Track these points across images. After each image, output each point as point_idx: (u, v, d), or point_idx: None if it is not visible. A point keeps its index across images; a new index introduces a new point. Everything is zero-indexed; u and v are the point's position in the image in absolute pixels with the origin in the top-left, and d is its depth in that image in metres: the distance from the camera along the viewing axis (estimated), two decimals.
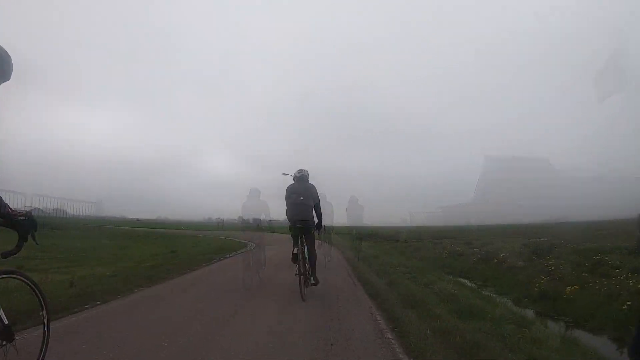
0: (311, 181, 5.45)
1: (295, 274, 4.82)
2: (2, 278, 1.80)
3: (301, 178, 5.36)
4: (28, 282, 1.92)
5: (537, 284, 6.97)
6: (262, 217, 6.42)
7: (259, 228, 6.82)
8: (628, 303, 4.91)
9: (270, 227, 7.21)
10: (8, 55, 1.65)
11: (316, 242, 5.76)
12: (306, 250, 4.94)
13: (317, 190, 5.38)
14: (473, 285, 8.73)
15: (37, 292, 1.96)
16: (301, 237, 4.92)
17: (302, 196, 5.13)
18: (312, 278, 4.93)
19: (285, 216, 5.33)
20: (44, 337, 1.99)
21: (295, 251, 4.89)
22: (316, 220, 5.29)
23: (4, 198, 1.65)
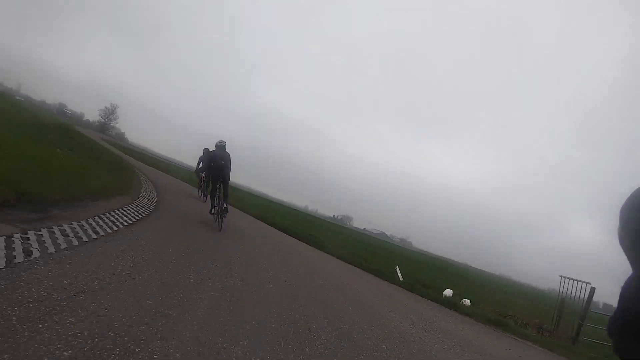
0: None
1: (211, 212, 7.52)
2: None
3: (221, 147, 7.50)
4: None
5: None
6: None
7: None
8: None
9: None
10: None
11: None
12: (223, 196, 7.23)
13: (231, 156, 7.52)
14: None
15: None
16: (219, 186, 7.32)
17: (223, 160, 7.34)
18: (226, 207, 7.22)
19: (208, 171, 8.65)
20: None
21: (213, 197, 7.47)
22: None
23: None
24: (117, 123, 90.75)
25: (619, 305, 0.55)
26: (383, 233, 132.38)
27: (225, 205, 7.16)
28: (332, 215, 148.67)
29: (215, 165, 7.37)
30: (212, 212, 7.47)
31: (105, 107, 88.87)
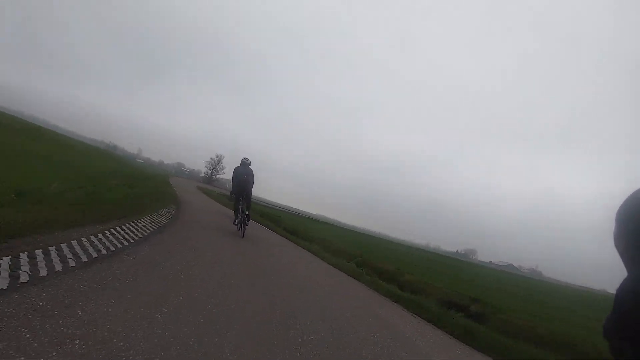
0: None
1: (235, 223, 8.17)
2: None
3: (245, 164, 8.25)
4: None
5: None
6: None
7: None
8: None
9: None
10: None
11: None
12: (245, 207, 7.94)
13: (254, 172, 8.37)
14: None
15: None
16: (242, 200, 7.97)
17: (246, 175, 8.10)
18: (247, 223, 7.96)
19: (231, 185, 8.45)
20: None
21: (237, 207, 8.16)
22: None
23: None
24: (224, 174, 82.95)
25: (615, 307, 0.57)
26: (511, 265, 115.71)
27: (247, 213, 7.89)
28: (455, 250, 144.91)
29: (239, 180, 8.03)
30: (236, 222, 8.12)
31: (211, 159, 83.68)
